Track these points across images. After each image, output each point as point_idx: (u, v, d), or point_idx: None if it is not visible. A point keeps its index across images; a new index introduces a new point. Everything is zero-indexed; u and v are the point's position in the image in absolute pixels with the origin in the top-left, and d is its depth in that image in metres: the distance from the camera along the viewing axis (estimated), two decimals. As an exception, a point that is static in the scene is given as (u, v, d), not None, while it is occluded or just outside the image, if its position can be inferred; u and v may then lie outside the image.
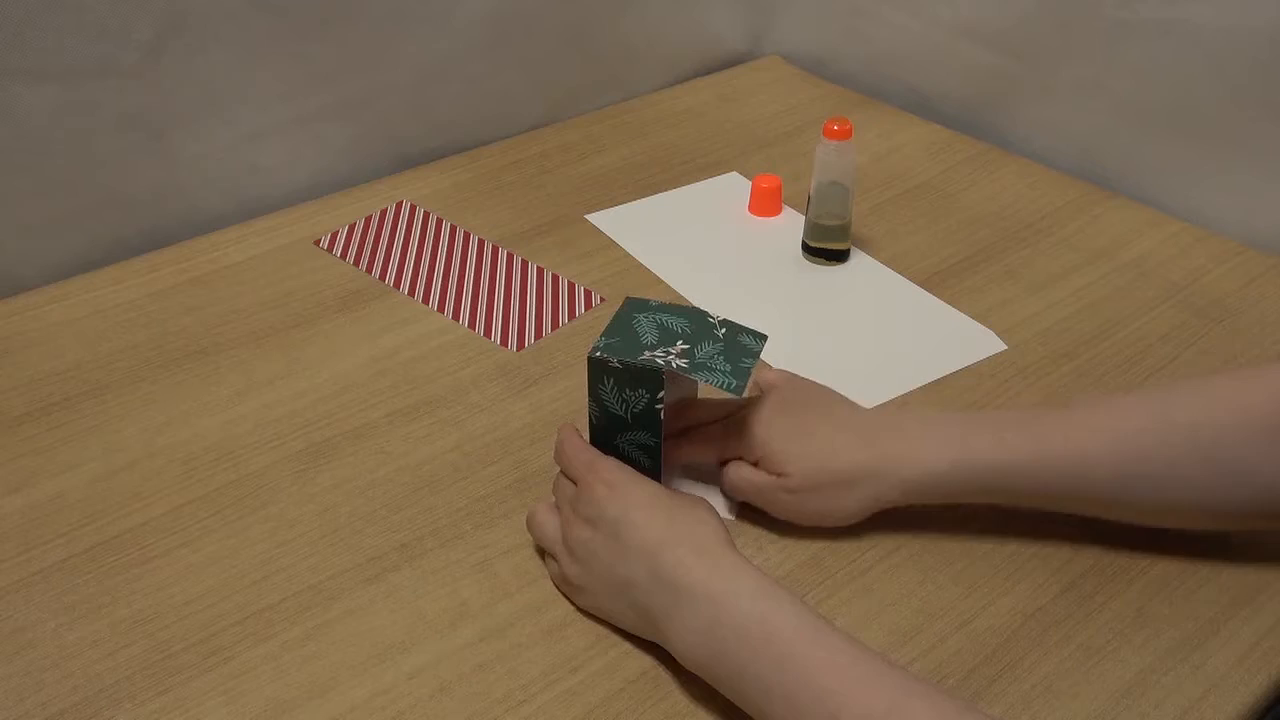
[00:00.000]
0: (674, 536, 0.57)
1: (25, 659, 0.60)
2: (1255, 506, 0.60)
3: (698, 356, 0.63)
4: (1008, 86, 1.09)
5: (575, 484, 0.63)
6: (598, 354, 0.63)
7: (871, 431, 0.64)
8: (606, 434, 0.66)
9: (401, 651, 0.61)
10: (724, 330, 0.66)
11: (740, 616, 0.53)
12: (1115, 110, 1.01)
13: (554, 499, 0.65)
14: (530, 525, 0.65)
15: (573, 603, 0.63)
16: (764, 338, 0.66)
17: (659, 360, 0.62)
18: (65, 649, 0.61)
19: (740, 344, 0.65)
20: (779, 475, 0.64)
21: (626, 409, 0.64)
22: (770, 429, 0.65)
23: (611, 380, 0.64)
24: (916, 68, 1.18)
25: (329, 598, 0.64)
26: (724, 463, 0.68)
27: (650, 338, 0.65)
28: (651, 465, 0.66)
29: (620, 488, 0.60)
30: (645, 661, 0.60)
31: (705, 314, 0.67)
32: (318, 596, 0.64)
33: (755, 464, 0.65)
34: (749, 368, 0.63)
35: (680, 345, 0.64)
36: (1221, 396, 0.61)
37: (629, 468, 0.62)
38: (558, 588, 0.64)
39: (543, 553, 0.66)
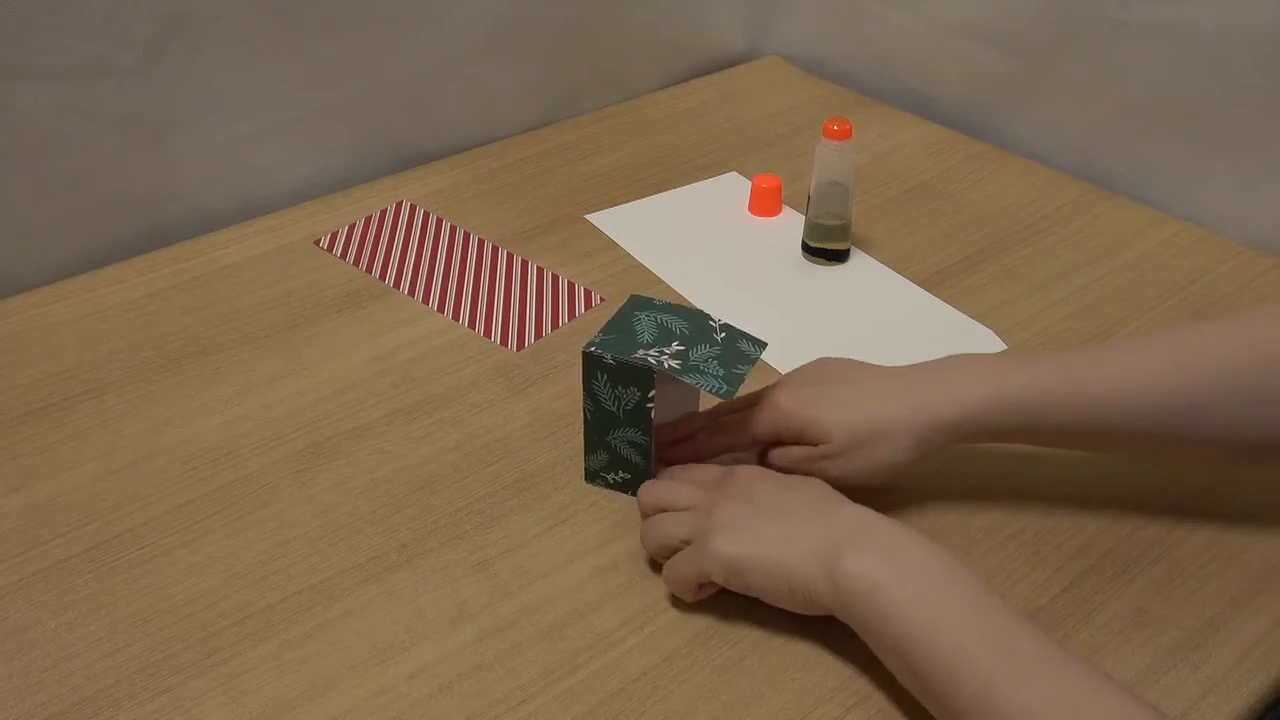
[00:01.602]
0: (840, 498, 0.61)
1: (25, 659, 0.60)
2: None
3: (691, 359, 0.63)
4: (1008, 86, 1.09)
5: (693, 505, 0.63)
6: (592, 349, 0.64)
7: (902, 380, 0.65)
8: (599, 430, 0.67)
9: (401, 651, 0.61)
10: (723, 334, 0.66)
11: (924, 555, 0.55)
12: (1115, 110, 1.01)
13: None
14: (651, 531, 0.63)
15: (705, 559, 0.59)
16: (763, 345, 0.66)
17: (650, 359, 0.62)
18: (65, 649, 0.61)
19: (738, 349, 0.65)
20: (819, 444, 0.64)
21: (619, 405, 0.64)
22: (797, 400, 0.65)
23: (605, 376, 0.64)
24: (916, 68, 1.17)
25: (329, 598, 0.64)
26: (764, 450, 0.67)
27: (647, 336, 0.65)
28: (642, 463, 0.67)
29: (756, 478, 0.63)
30: (645, 661, 0.60)
31: (707, 317, 0.67)
32: (318, 596, 0.64)
33: (795, 442, 0.65)
34: (743, 374, 0.63)
35: (675, 346, 0.64)
36: (1260, 327, 0.61)
37: None
38: (672, 556, 0.62)
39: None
